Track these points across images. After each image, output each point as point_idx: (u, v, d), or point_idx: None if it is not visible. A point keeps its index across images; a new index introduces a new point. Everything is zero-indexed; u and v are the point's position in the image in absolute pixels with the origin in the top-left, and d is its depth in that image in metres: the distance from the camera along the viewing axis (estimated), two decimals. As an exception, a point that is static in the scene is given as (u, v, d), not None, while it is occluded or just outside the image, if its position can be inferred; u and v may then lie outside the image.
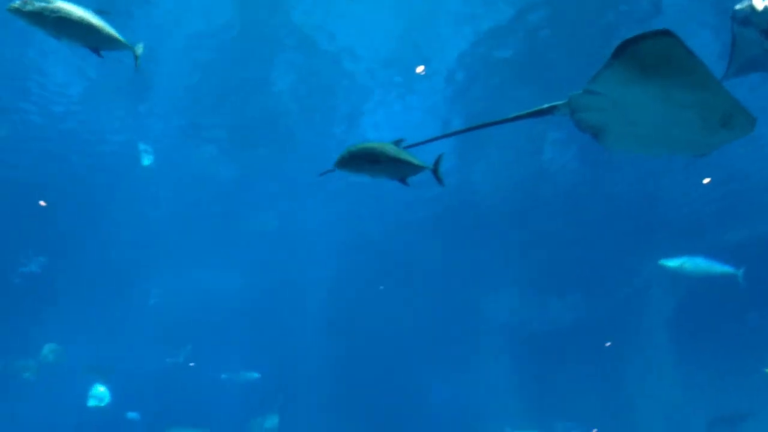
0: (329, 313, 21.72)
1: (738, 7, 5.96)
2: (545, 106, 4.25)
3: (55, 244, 17.76)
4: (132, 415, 16.30)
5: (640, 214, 17.01)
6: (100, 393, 14.32)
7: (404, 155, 5.72)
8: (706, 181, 15.58)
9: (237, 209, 18.25)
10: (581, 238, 18.57)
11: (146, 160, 15.08)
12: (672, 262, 13.54)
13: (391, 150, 5.67)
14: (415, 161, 5.74)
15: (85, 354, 17.97)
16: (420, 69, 13.22)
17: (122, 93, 14.41)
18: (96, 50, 5.93)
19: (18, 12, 5.32)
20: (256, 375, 19.89)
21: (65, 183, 16.58)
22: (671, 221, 17.01)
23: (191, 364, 20.53)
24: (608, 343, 21.56)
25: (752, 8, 5.85)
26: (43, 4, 5.35)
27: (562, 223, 18.25)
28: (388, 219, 19.20)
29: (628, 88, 3.93)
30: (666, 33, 3.57)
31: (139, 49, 6.43)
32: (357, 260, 20.81)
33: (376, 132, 14.95)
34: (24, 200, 16.90)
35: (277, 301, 21.35)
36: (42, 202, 16.62)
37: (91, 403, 14.28)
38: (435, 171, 5.98)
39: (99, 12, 5.66)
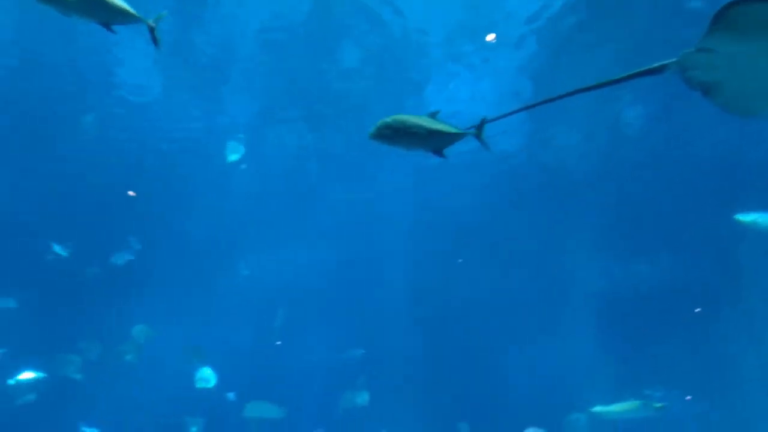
0: (410, 287, 21.79)
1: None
2: (655, 65, 4.07)
3: (145, 230, 18.52)
4: (230, 395, 16.88)
5: (730, 171, 16.33)
6: (206, 375, 14.88)
7: (439, 126, 5.74)
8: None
9: (316, 186, 18.61)
10: (668, 200, 18.00)
11: (234, 156, 15.55)
12: (746, 217, 13.03)
13: (426, 121, 5.71)
14: (452, 130, 5.74)
15: (181, 335, 18.71)
16: (491, 37, 13.05)
17: (200, 80, 14.92)
18: (107, 25, 5.79)
19: None
20: (361, 351, 20.15)
21: (152, 171, 17.29)
22: (764, 177, 16.25)
23: (278, 343, 21.04)
24: (698, 309, 20.87)
25: None
26: None
27: (647, 184, 17.78)
28: (466, 189, 19.15)
29: (743, 45, 3.71)
30: None
31: (155, 21, 6.13)
32: (436, 233, 20.81)
33: (449, 103, 14.89)
34: (113, 190, 17.67)
35: (359, 277, 21.59)
36: (131, 192, 17.33)
37: (199, 385, 14.86)
38: (478, 136, 5.90)
39: None
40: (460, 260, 21.56)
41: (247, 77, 14.51)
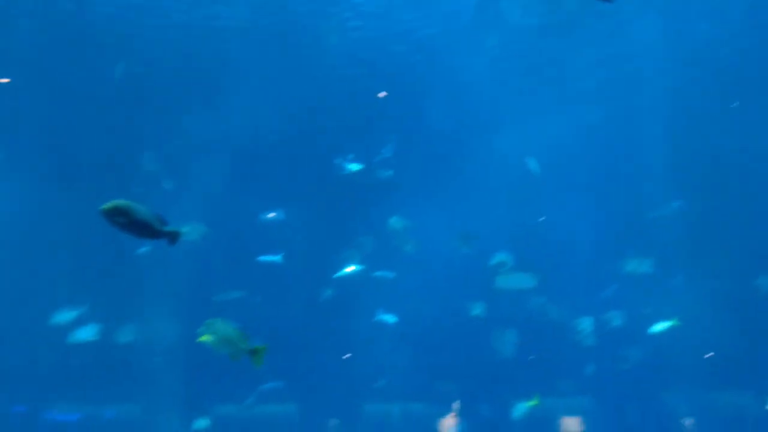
0: (677, 144, 19.88)
1: None
2: None
3: (399, 127, 19.13)
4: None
5: None
6: (503, 258, 15.35)
7: None
8: None
9: (562, 51, 18.04)
10: None
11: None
12: None
13: None
14: None
15: (448, 222, 19.23)
16: None
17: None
18: None
19: None
20: (678, 203, 19.16)
21: (394, 73, 18.00)
22: None
23: (541, 219, 20.76)
24: None
25: None
26: None
27: None
28: (728, 20, 16.94)
29: None
30: None
31: None
32: (700, 78, 18.76)
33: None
34: (363, 97, 18.35)
35: (618, 140, 20.26)
36: (381, 93, 18.06)
37: (499, 270, 15.42)
38: None
39: None
40: (734, 103, 19.15)
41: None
